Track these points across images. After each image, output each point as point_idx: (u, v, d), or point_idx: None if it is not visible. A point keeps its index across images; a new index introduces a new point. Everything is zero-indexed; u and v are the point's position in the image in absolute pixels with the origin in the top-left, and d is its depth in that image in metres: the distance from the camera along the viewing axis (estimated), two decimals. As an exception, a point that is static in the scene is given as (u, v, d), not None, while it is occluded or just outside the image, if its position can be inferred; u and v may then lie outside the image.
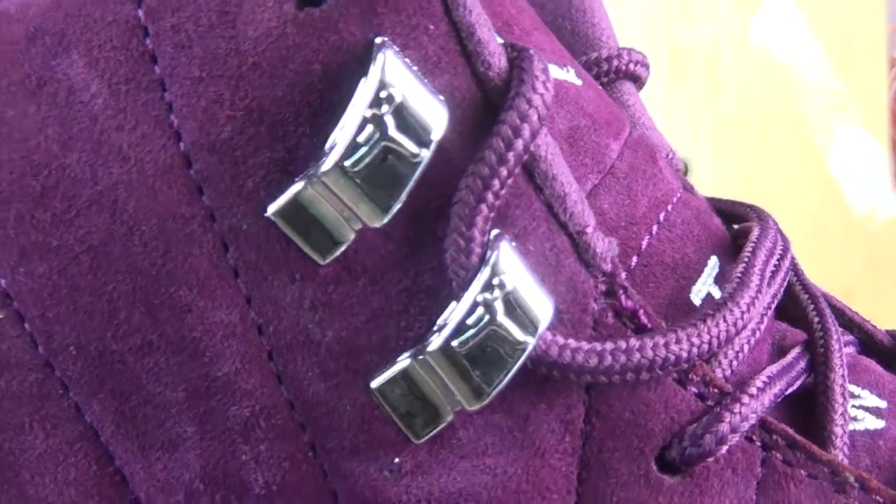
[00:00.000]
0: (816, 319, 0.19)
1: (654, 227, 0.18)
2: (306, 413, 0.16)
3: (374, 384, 0.15)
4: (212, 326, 0.15)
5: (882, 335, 0.22)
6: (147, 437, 0.16)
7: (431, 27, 0.15)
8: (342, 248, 0.15)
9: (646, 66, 0.23)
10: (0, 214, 0.16)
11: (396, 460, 0.16)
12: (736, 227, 0.21)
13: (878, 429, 0.18)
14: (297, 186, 0.15)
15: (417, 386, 0.15)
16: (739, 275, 0.17)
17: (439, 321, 0.15)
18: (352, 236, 0.15)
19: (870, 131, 0.44)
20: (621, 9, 0.38)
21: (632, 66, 0.23)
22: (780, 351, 0.19)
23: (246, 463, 0.16)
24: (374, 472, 0.16)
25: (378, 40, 0.14)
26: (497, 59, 0.15)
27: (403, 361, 0.15)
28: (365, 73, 0.14)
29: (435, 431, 0.15)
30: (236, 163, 0.15)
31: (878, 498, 0.16)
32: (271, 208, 0.15)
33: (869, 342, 0.22)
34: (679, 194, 0.19)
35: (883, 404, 0.19)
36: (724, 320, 0.16)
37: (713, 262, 0.19)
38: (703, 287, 0.18)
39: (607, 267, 0.16)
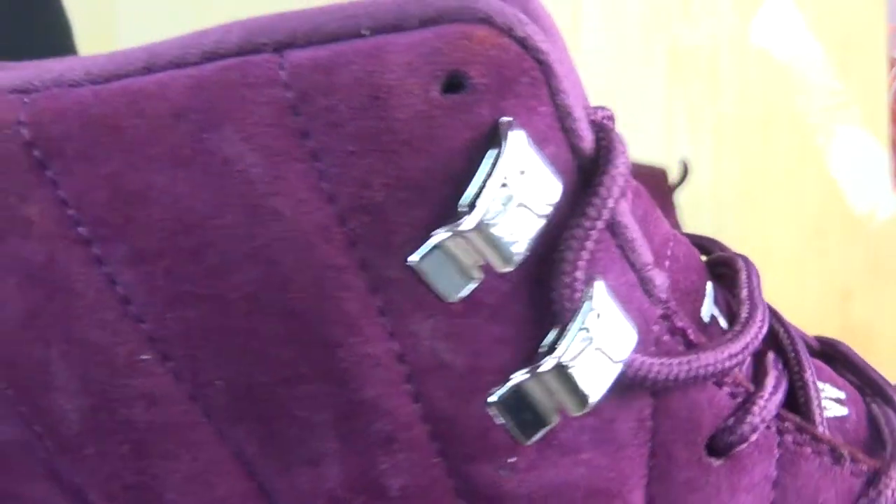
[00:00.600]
0: (782, 330, 0.24)
1: (667, 261, 0.22)
2: (436, 426, 0.19)
3: (493, 399, 0.19)
4: (360, 358, 0.18)
5: (811, 340, 0.27)
6: (290, 455, 0.19)
7: (542, 108, 0.18)
8: (470, 289, 0.18)
9: (613, 119, 0.27)
10: (148, 268, 0.19)
11: (510, 460, 0.19)
12: (704, 258, 0.25)
13: (843, 415, 0.23)
14: (437, 239, 0.18)
15: (530, 399, 0.19)
16: (748, 297, 0.22)
17: (546, 344, 0.19)
18: (479, 279, 0.18)
19: (870, 131, 0.45)
20: (621, 9, 0.39)
21: (605, 121, 0.27)
22: (753, 356, 0.24)
23: (384, 471, 0.19)
24: (491, 471, 0.19)
25: (503, 120, 0.18)
26: (587, 134, 0.19)
27: (518, 379, 0.19)
28: (493, 145, 0.18)
29: (541, 435, 0.19)
30: (387, 222, 0.18)
31: (863, 467, 0.21)
32: (413, 258, 0.18)
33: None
34: (673, 231, 0.24)
35: (842, 395, 0.23)
36: (749, 334, 0.20)
37: (709, 287, 0.23)
38: (708, 309, 0.22)
39: (663, 296, 0.20)
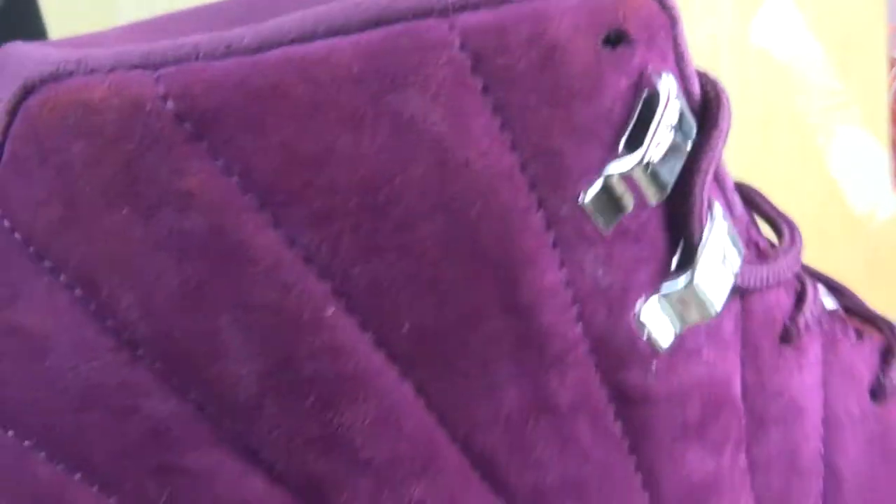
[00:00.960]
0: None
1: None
2: (594, 342, 0.21)
3: (638, 313, 0.21)
4: (536, 289, 0.20)
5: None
6: (471, 386, 0.21)
7: (669, 57, 0.21)
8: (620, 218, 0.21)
9: None
10: (332, 228, 0.20)
11: (653, 367, 0.22)
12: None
13: (835, 309, 0.27)
14: (605, 176, 0.20)
15: (667, 311, 0.22)
16: (778, 213, 0.26)
17: (677, 261, 0.22)
18: (630, 209, 0.21)
19: (870, 131, 0.44)
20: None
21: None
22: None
23: (554, 390, 0.21)
24: (638, 376, 0.22)
25: (649, 68, 0.20)
26: (695, 80, 0.22)
27: (658, 293, 0.21)
28: (642, 90, 0.20)
29: (673, 341, 0.22)
30: (562, 165, 0.20)
31: (876, 342, 0.26)
32: (585, 196, 0.20)
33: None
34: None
35: (824, 289, 0.28)
36: (798, 242, 0.25)
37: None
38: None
39: (740, 214, 0.23)
